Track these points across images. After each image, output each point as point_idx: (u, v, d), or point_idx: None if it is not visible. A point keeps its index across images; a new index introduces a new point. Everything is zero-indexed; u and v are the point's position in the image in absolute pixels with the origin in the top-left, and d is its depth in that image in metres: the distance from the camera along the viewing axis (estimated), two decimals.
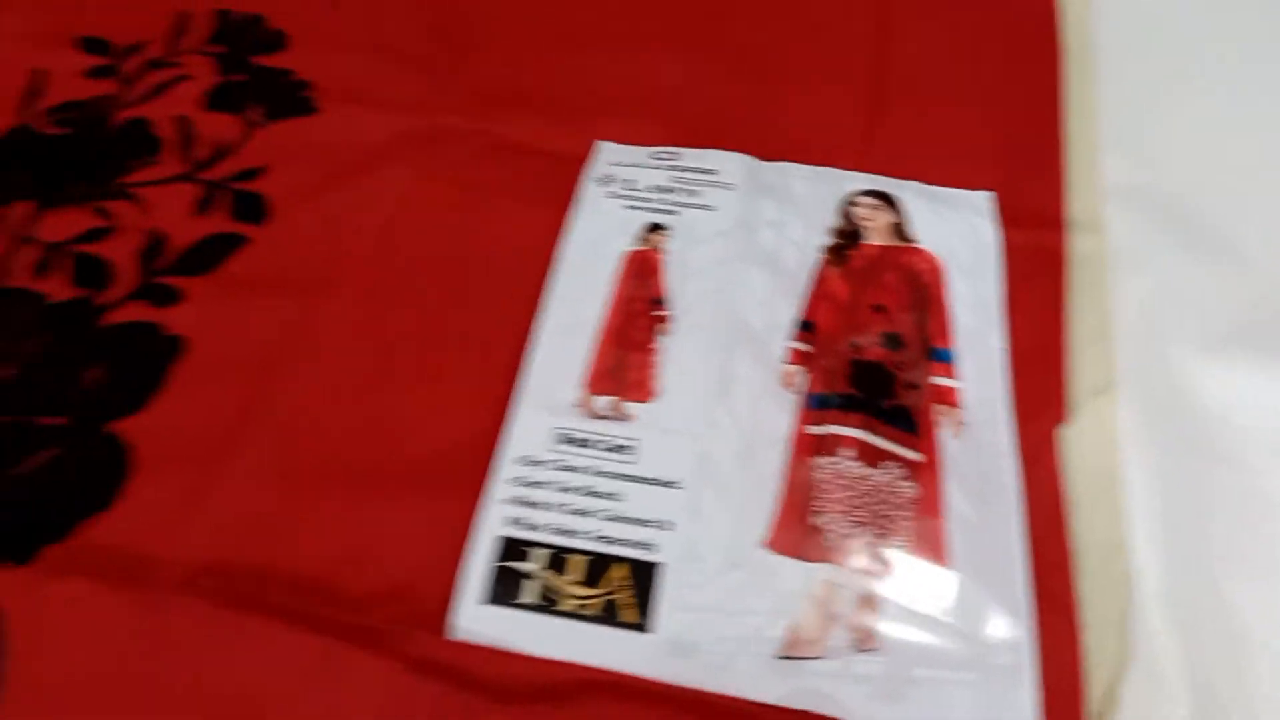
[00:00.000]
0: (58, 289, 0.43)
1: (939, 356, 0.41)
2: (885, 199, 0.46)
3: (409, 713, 0.32)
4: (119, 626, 0.33)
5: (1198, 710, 0.32)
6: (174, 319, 0.42)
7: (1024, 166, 0.49)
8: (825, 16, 0.56)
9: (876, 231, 0.45)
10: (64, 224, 0.45)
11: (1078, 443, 0.39)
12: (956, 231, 0.45)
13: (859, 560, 0.34)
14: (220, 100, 0.51)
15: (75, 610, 0.33)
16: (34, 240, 0.44)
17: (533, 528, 0.35)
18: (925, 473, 0.37)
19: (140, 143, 0.49)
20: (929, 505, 0.36)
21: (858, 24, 0.56)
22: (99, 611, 0.33)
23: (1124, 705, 0.32)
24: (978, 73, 0.53)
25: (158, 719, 0.32)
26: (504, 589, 0.34)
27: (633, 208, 0.46)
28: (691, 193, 0.46)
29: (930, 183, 0.47)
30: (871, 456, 0.37)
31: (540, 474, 0.37)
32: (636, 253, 0.44)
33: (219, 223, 0.46)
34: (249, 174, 0.48)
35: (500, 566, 0.34)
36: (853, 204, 0.46)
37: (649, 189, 0.46)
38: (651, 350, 0.40)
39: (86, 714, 0.32)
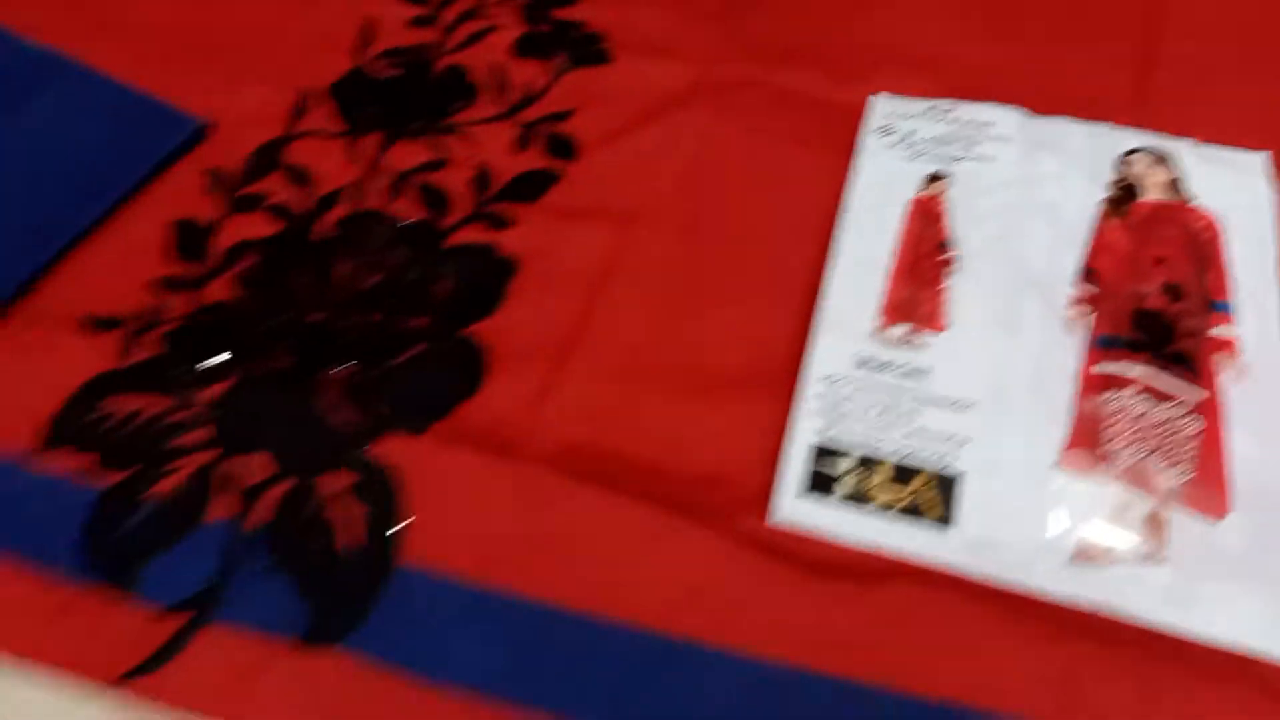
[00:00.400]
0: (407, 211, 0.50)
1: (1219, 308, 0.43)
2: (1161, 156, 0.48)
3: (735, 579, 0.38)
4: (496, 491, 0.40)
5: None
6: (506, 241, 0.48)
7: None
8: None
9: (1154, 188, 0.47)
10: (408, 155, 0.52)
11: None
12: (1232, 190, 0.47)
13: (1147, 483, 0.38)
14: (528, 48, 0.57)
15: (460, 475, 0.40)
16: (384, 169, 0.52)
17: (840, 437, 0.40)
18: (1208, 411, 0.40)
19: (459, 87, 0.55)
20: (1212, 440, 0.39)
21: None
22: (480, 477, 0.40)
23: None
24: (1253, 38, 0.54)
25: (528, 573, 0.38)
26: (818, 486, 0.39)
27: (913, 158, 0.49)
28: (969, 144, 0.49)
29: (1204, 141, 0.49)
30: (1156, 395, 0.40)
31: (843, 390, 0.41)
32: (920, 199, 0.48)
33: (535, 159, 0.52)
34: (558, 116, 0.53)
35: (815, 471, 0.39)
36: (1128, 160, 0.48)
37: (927, 140, 0.50)
38: (941, 287, 0.44)
39: (470, 561, 0.39)
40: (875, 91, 0.52)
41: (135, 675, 0.36)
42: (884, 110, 0.51)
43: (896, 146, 0.49)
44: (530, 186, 0.50)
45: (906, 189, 0.48)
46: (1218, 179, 0.47)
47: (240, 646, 0.37)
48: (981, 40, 0.55)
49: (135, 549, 0.39)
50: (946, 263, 0.45)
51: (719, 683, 0.36)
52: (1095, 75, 0.53)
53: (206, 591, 0.38)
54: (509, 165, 0.51)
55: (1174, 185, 0.47)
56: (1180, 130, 0.50)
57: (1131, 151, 0.48)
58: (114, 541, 0.39)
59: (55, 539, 0.39)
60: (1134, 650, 0.35)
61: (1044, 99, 0.51)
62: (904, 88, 0.52)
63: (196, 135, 0.52)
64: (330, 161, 0.52)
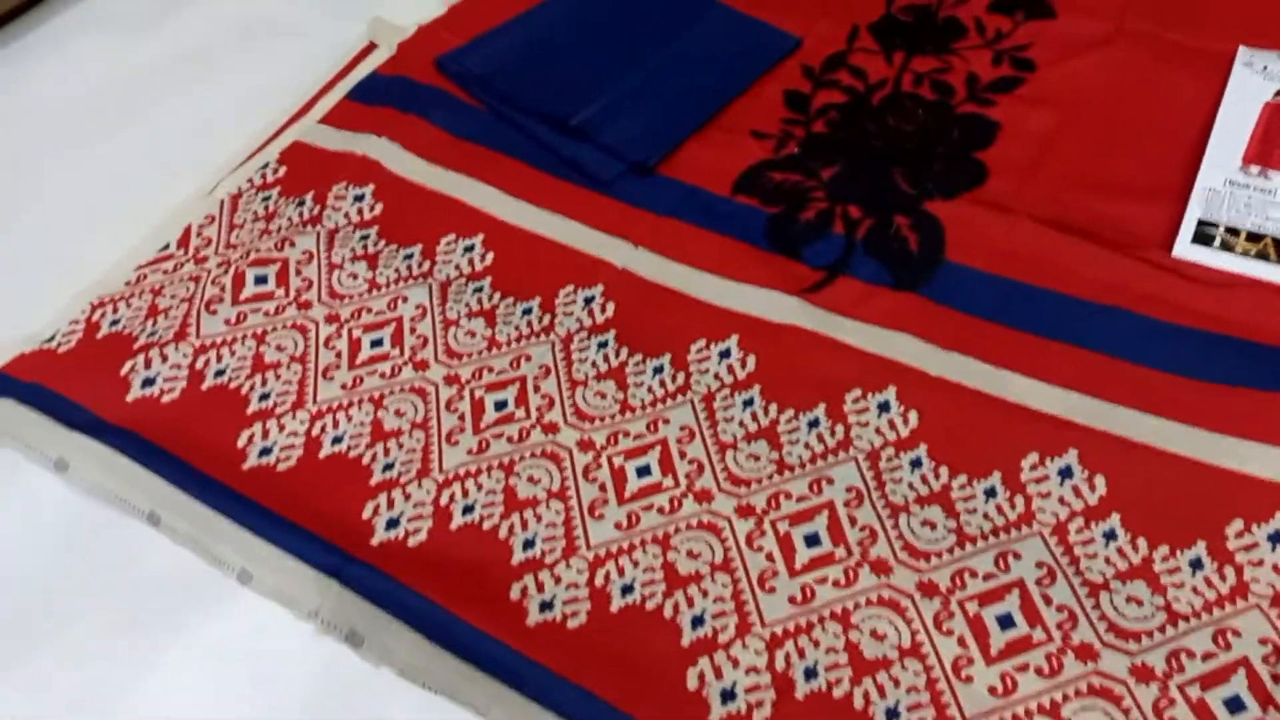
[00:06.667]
0: (928, 95, 0.82)
1: None
2: None
3: (1150, 280, 0.66)
4: (994, 229, 0.71)
5: None
6: (995, 114, 0.80)
7: None
8: None
9: None
10: (923, 65, 0.85)
11: None
12: None
13: None
14: (997, 7, 0.88)
15: (974, 223, 0.72)
16: (910, 71, 0.85)
17: (1217, 218, 0.68)
18: None
19: (955, 29, 0.88)
20: None
21: None
22: (985, 222, 0.71)
23: None
24: None
25: (1010, 267, 0.69)
26: (1200, 239, 0.67)
27: (1268, 81, 0.76)
28: None
29: None
30: None
31: (1218, 197, 0.69)
32: (1270, 104, 0.75)
33: (1005, 70, 0.83)
34: (1020, 48, 0.85)
35: (1199, 229, 0.68)
36: None
37: (1275, 74, 0.77)
38: None
39: (980, 260, 0.70)
40: (1238, 44, 0.80)
41: (809, 291, 0.70)
42: (1246, 54, 0.79)
43: (1257, 74, 0.77)
44: (1005, 84, 0.82)
45: (1263, 96, 0.75)
46: None
47: (859, 286, 0.70)
48: None
49: (796, 240, 0.73)
50: None
51: (1140, 328, 0.64)
52: None
53: (838, 262, 0.71)
54: (990, 73, 0.83)
55: None
56: None
57: None
58: (785, 237, 0.74)
59: (750, 232, 0.74)
60: None
61: None
62: (1260, 43, 0.79)
63: (795, 46, 0.88)
64: (874, 66, 0.86)
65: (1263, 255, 0.66)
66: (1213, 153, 0.72)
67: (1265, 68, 0.77)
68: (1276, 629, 0.51)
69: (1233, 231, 0.67)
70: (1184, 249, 0.67)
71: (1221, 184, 0.70)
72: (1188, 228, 0.68)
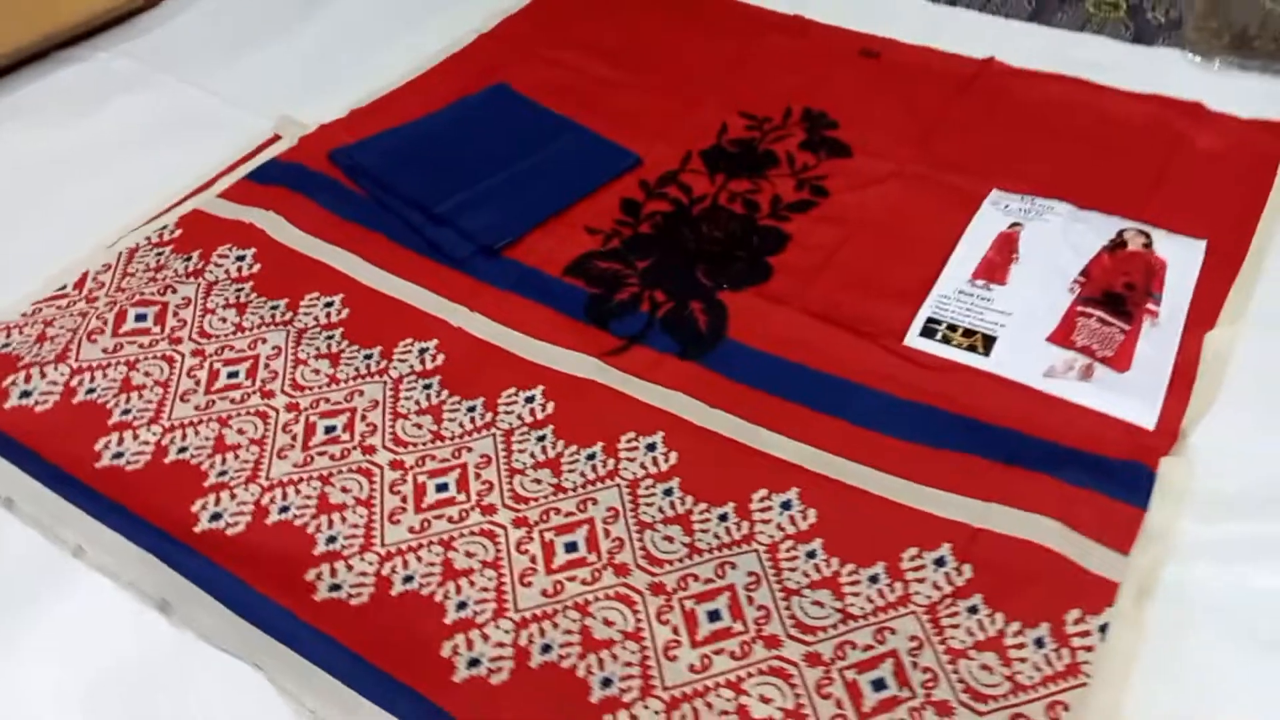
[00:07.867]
0: (739, 209, 0.98)
1: (1155, 297, 0.84)
2: (1144, 231, 0.90)
3: (885, 366, 0.80)
4: (773, 318, 0.85)
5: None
6: (790, 228, 0.95)
7: (1226, 244, 0.90)
8: (1126, 142, 1.01)
9: (1135, 244, 0.89)
10: (739, 186, 1.01)
11: (1211, 341, 0.80)
12: (1180, 254, 0.88)
13: (1091, 353, 0.79)
14: (806, 146, 1.06)
15: (756, 311, 0.86)
16: (727, 190, 1.01)
17: (942, 316, 0.83)
18: (1130, 334, 0.80)
19: (769, 160, 1.05)
20: (1129, 342, 0.79)
21: (1149, 154, 1.00)
22: (765, 311, 0.86)
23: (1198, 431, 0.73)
24: (1216, 188, 0.96)
25: (780, 348, 0.82)
26: (926, 333, 0.82)
27: (1006, 216, 0.93)
28: (1039, 214, 0.93)
29: (1174, 232, 0.90)
30: (1104, 322, 0.81)
31: (949, 299, 0.84)
32: (1003, 233, 0.91)
33: (805, 195, 0.99)
34: (820, 178, 1.01)
35: (927, 324, 0.82)
36: (1124, 231, 0.90)
37: (1016, 210, 0.94)
38: (1009, 266, 0.87)
39: (751, 339, 0.83)
40: (993, 187, 0.97)
41: (609, 355, 0.83)
42: (995, 196, 0.96)
43: (999, 210, 0.94)
44: (801, 205, 0.98)
45: (999, 227, 0.92)
46: (1174, 248, 0.88)
47: (651, 354, 0.83)
48: (1055, 168, 0.99)
49: (608, 315, 0.87)
50: (1013, 261, 0.88)
51: (869, 400, 0.78)
52: (1120, 189, 0.95)
53: (638, 334, 0.85)
54: (791, 196, 0.99)
55: (1147, 245, 0.89)
56: (1161, 224, 0.91)
57: (1129, 228, 0.90)
58: (599, 312, 0.87)
59: (572, 307, 0.88)
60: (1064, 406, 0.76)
61: (1087, 200, 0.94)
62: (1012, 187, 0.97)
63: (636, 163, 1.04)
64: (699, 184, 1.02)
65: (972, 348, 0.80)
66: (951, 268, 0.88)
67: (1007, 206, 0.95)
68: (924, 629, 0.63)
69: (952, 328, 0.82)
70: (912, 339, 0.82)
71: (952, 292, 0.86)
72: (917, 323, 0.83)
